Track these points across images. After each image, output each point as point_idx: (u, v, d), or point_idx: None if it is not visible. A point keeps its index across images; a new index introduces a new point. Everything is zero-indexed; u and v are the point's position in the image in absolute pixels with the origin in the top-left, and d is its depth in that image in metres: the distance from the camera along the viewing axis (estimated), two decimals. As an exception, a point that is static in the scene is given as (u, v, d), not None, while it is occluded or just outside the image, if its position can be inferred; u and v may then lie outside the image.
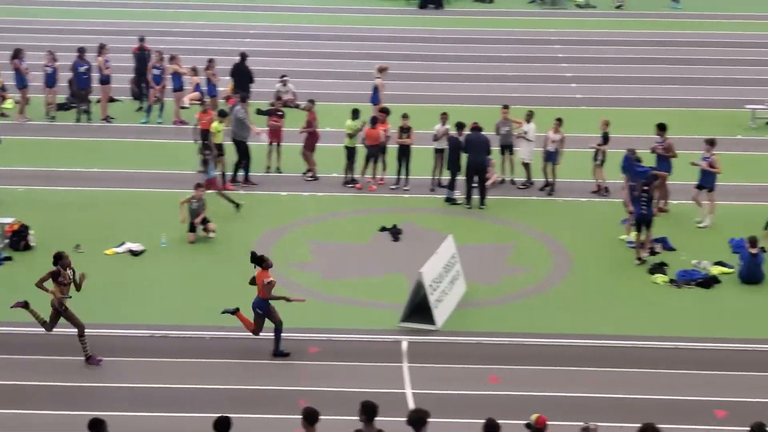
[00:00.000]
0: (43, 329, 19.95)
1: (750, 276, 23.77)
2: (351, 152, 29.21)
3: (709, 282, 23.76)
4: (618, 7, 53.07)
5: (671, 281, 23.85)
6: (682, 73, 40.93)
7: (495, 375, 19.75)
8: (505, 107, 29.64)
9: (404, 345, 20.72)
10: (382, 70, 33.77)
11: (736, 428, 16.00)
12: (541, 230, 26.61)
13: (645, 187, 24.67)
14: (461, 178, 28.05)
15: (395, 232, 26.20)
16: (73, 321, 19.70)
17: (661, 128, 27.48)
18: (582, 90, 38.54)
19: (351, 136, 29.06)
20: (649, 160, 26.92)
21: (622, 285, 23.80)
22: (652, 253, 25.07)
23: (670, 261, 24.65)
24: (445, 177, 28.67)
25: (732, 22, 49.76)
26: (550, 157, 28.76)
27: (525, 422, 14.75)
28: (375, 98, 32.88)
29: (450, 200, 28.25)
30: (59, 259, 19.87)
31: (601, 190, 28.68)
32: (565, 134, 28.87)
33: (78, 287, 19.83)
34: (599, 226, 26.80)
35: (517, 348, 20.87)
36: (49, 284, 19.72)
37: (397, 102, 33.47)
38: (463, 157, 27.87)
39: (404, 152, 29.04)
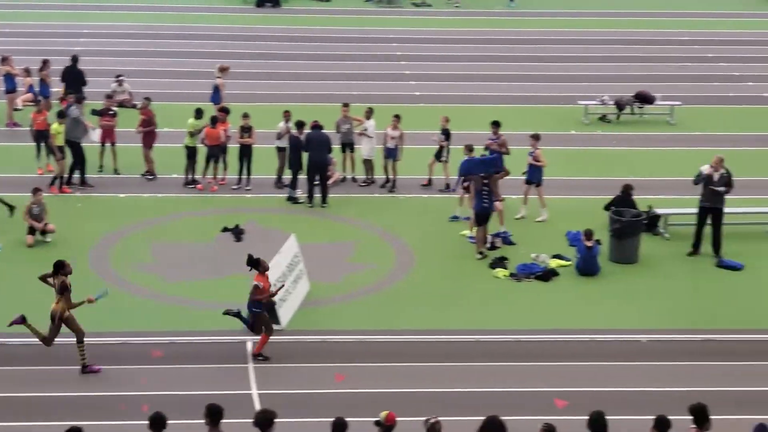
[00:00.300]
0: (43, 344, 19.35)
1: (586, 268, 24.35)
2: (192, 152, 28.90)
3: (547, 275, 24.25)
4: (454, 5, 53.76)
5: (511, 275, 24.26)
6: (518, 70, 41.65)
7: (341, 372, 19.80)
8: (345, 105, 29.74)
9: (249, 345, 20.59)
10: (223, 69, 33.54)
11: (576, 417, 16.35)
12: (383, 227, 26.78)
13: (485, 181, 25.04)
14: (303, 176, 28.05)
15: (238, 233, 26.04)
16: (51, 332, 19.23)
17: (495, 125, 27.94)
18: (421, 87, 38.92)
19: (192, 134, 28.76)
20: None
21: (464, 280, 24.11)
22: (493, 247, 25.47)
23: (510, 255, 25.09)
24: (287, 176, 28.62)
25: (566, 20, 50.84)
26: (390, 154, 28.97)
27: (374, 419, 14.83)
28: (215, 98, 32.64)
29: (292, 199, 28.21)
30: (61, 267, 19.21)
31: (429, 184, 29.08)
32: (406, 131, 29.11)
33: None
34: (441, 222, 27.09)
35: (362, 345, 20.96)
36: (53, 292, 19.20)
37: (237, 101, 33.26)
38: (304, 156, 27.87)
39: (245, 152, 28.87)
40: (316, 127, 28.06)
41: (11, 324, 19.51)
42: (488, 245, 25.40)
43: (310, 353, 20.60)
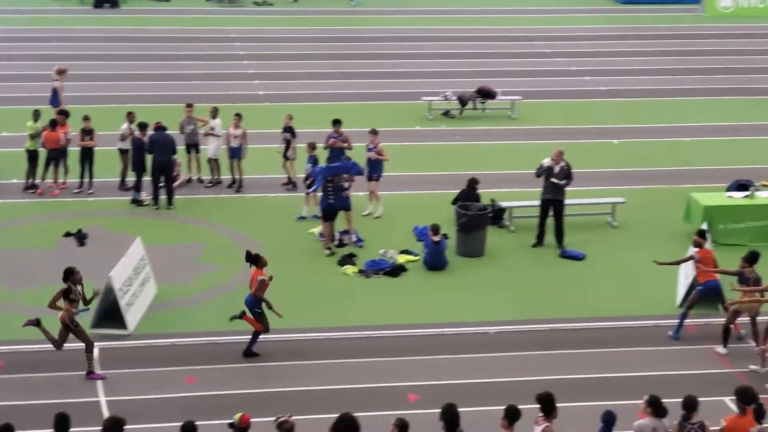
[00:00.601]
0: (53, 347, 19.17)
1: (434, 262, 24.57)
2: (33, 156, 28.23)
3: (396, 270, 24.39)
4: (292, 0, 53.85)
5: (360, 271, 24.34)
6: (361, 67, 41.82)
7: (191, 375, 19.59)
8: (189, 106, 29.42)
9: (96, 351, 20.21)
10: (61, 72, 32.81)
11: (429, 411, 16.51)
12: (232, 227, 26.59)
13: (329, 178, 25.07)
14: (147, 178, 27.67)
15: (81, 237, 25.55)
16: (82, 337, 19.13)
17: (337, 123, 27.96)
18: (265, 87, 38.77)
19: (33, 137, 28.09)
20: (323, 154, 27.35)
21: (313, 278, 24.09)
22: (341, 244, 25.52)
23: (358, 252, 25.18)
24: (131, 178, 28.20)
25: (407, 17, 51.25)
26: (235, 154, 28.76)
27: (228, 422, 14.71)
28: (54, 101, 31.92)
29: (136, 202, 27.81)
30: (70, 274, 18.97)
31: (290, 184, 29.01)
32: (252, 130, 28.97)
33: (87, 302, 19.37)
34: (288, 221, 27.03)
35: (213, 347, 20.76)
36: (61, 302, 18.95)
37: (77, 103, 32.60)
38: (148, 158, 27.51)
39: (87, 155, 28.34)
40: (160, 128, 27.72)
41: (25, 325, 19.46)
42: (336, 242, 25.45)
43: (159, 357, 20.33)
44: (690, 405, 15.27)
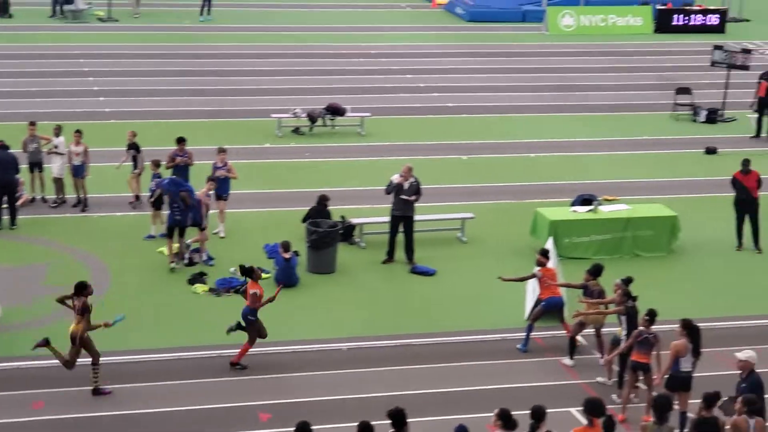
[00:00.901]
0: (65, 367, 18.75)
1: (285, 279, 24.50)
2: None
3: (247, 288, 24.27)
4: (134, 15, 53.22)
5: (211, 290, 24.14)
6: (209, 84, 41.51)
7: (38, 399, 19.13)
8: (32, 123, 28.81)
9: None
10: None
11: (281, 429, 16.47)
12: (77, 247, 26.11)
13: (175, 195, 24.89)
14: (-11, 198, 27.03)
15: None
16: (68, 356, 18.80)
17: (181, 141, 27.61)
18: (110, 104, 38.19)
19: None
20: (167, 173, 27.07)
21: (163, 297, 23.80)
22: (191, 263, 25.28)
23: (208, 270, 24.97)
24: (-28, 198, 27.50)
25: (255, 35, 51.09)
26: (77, 172, 28.24)
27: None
28: None
29: (-22, 222, 27.14)
30: (84, 288, 18.46)
31: (136, 202, 28.61)
32: (98, 148, 28.49)
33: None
34: (136, 239, 26.66)
35: (59, 370, 20.24)
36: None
37: None
38: (-10, 177, 26.89)
39: (-75, 174, 27.52)
40: (2, 146, 27.12)
41: (35, 347, 19.06)
42: (185, 261, 25.20)
43: (5, 380, 19.80)
44: (537, 415, 15.51)
